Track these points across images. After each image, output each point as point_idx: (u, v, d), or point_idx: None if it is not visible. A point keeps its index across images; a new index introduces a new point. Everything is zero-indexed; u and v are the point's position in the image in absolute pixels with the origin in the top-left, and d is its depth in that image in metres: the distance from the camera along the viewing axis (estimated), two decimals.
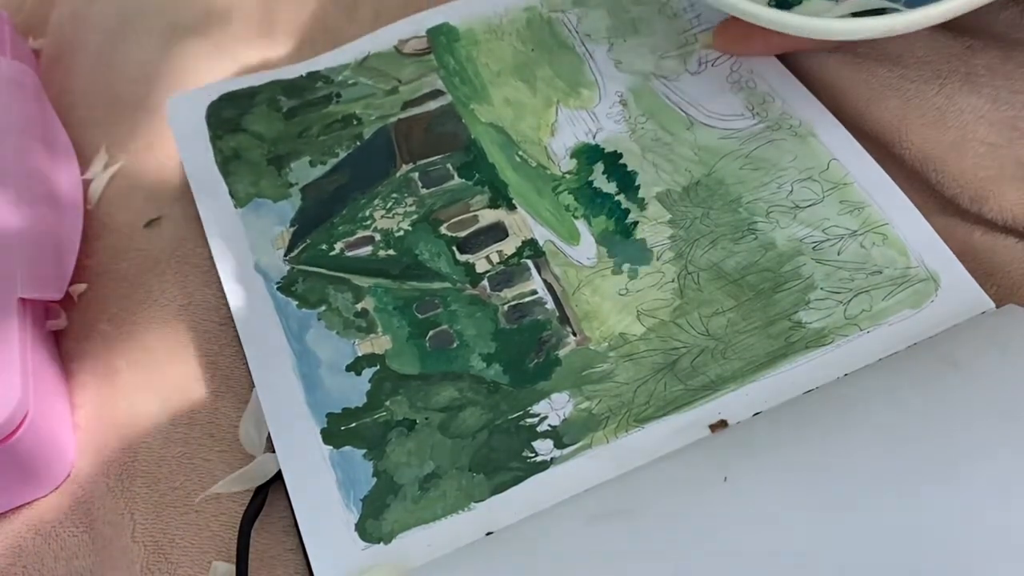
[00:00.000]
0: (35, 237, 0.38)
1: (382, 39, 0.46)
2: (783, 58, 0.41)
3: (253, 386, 0.36)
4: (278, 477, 0.34)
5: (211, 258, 0.40)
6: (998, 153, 0.35)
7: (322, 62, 0.46)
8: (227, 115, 0.44)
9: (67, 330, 0.40)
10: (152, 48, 0.49)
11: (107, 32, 0.51)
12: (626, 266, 0.37)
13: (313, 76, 0.45)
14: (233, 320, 0.38)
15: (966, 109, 0.36)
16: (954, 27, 0.39)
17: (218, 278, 0.40)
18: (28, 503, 0.36)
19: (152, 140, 0.46)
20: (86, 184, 0.45)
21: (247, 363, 0.36)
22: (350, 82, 0.45)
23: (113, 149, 0.46)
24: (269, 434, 0.34)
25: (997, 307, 0.34)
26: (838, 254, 0.35)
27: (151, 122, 0.47)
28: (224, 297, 0.38)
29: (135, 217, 0.43)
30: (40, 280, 0.37)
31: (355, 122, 0.43)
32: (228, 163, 0.42)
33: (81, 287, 0.41)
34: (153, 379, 0.38)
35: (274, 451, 0.34)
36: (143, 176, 0.45)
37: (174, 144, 0.44)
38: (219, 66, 0.48)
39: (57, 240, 0.40)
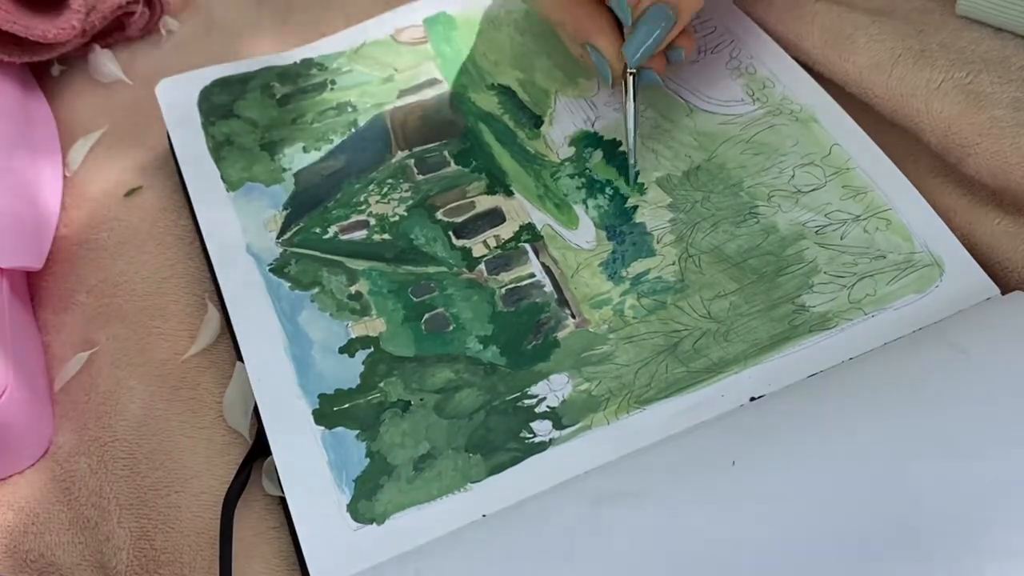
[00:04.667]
0: (14, 206, 0.37)
1: (378, 28, 0.45)
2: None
3: (236, 360, 0.35)
4: (259, 454, 0.33)
5: (194, 230, 0.39)
6: (959, 120, 0.35)
7: (317, 49, 0.45)
8: (219, 101, 0.43)
9: (45, 302, 0.39)
10: None
11: None
12: (626, 249, 0.36)
13: (307, 63, 0.45)
14: (216, 294, 0.37)
15: (920, 84, 0.36)
16: (905, 17, 0.39)
17: (200, 251, 0.39)
18: (3, 478, 0.34)
19: (134, 108, 0.45)
20: (65, 151, 0.44)
21: (230, 338, 0.35)
22: (345, 70, 0.44)
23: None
24: (255, 409, 0.33)
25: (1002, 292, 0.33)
26: (841, 238, 0.35)
27: (133, 89, 0.46)
28: (207, 270, 0.37)
29: (115, 186, 0.42)
30: (19, 249, 0.36)
31: (350, 109, 0.43)
32: (220, 148, 0.41)
33: None
34: (133, 353, 0.37)
35: (260, 426, 0.33)
36: (124, 144, 0.44)
37: (156, 112, 0.43)
38: (203, 32, 0.48)
39: (36, 209, 0.38)
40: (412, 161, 0.40)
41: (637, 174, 0.38)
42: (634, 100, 0.37)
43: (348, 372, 0.34)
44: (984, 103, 0.35)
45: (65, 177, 0.43)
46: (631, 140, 0.37)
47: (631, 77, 0.36)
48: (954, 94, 0.35)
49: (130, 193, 0.42)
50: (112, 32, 0.48)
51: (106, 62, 0.47)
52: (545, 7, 0.38)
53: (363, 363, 0.34)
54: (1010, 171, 0.34)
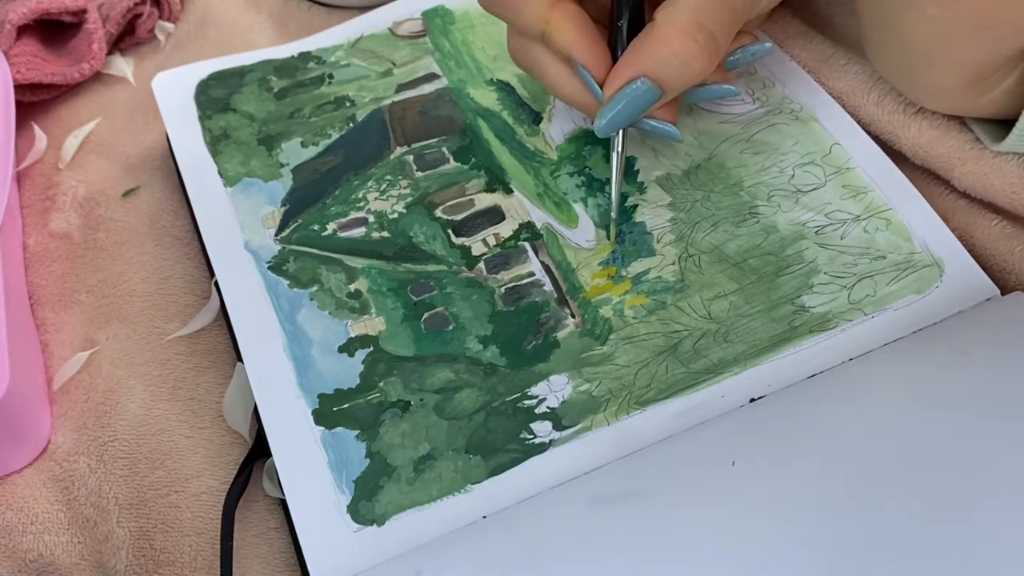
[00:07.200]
0: None
1: (376, 21, 0.45)
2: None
3: (236, 361, 0.35)
4: (259, 455, 0.33)
5: (192, 230, 0.39)
6: (939, 143, 0.35)
7: (314, 43, 0.45)
8: (216, 94, 0.43)
9: (44, 300, 0.39)
10: None
11: None
12: (626, 248, 0.36)
13: (305, 57, 0.44)
14: (215, 294, 0.37)
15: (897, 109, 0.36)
16: None
17: (199, 251, 0.39)
18: (1, 477, 0.34)
19: (132, 107, 0.45)
20: (58, 144, 0.44)
21: (229, 337, 0.35)
22: (343, 63, 0.44)
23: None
24: (255, 410, 0.33)
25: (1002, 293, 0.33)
26: (841, 239, 0.35)
27: (132, 89, 0.46)
28: (205, 270, 0.37)
29: (113, 186, 0.42)
30: None
31: (348, 104, 0.42)
32: (217, 143, 0.41)
33: None
34: (133, 353, 0.37)
35: (260, 426, 0.32)
36: (120, 144, 0.44)
37: (153, 112, 0.43)
38: (198, 28, 0.48)
39: None
40: (411, 157, 0.40)
41: (620, 230, 0.36)
42: (621, 151, 0.35)
43: (348, 372, 0.34)
44: (963, 125, 0.35)
45: (58, 170, 0.43)
46: (615, 191, 0.36)
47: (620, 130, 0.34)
48: (933, 117, 0.35)
49: (127, 193, 0.42)
50: (124, 37, 0.48)
51: (118, 62, 0.47)
52: (528, 14, 0.33)
53: (363, 362, 0.34)
54: (994, 192, 0.34)
